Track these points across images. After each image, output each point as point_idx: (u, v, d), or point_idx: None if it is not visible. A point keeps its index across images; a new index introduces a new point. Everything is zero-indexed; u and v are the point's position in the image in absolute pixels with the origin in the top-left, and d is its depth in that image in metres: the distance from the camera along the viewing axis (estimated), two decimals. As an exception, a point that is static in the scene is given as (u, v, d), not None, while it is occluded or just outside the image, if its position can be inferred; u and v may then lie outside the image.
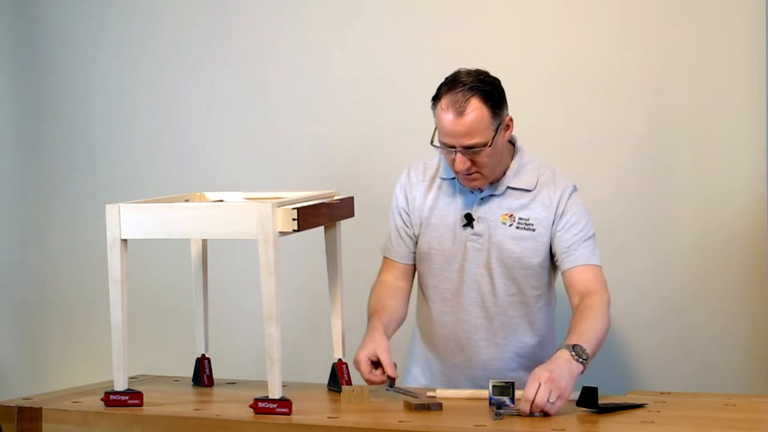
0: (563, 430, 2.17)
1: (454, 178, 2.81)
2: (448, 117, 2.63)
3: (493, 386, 2.39)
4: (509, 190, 2.78)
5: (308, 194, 2.59)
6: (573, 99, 3.47)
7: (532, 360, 2.77)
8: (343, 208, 2.64)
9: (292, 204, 2.37)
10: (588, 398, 2.32)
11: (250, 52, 3.87)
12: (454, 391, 2.55)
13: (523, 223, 2.76)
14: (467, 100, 2.63)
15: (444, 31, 3.57)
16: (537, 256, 2.77)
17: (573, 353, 2.46)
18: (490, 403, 2.38)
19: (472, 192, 2.79)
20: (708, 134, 3.35)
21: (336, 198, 2.64)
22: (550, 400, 2.33)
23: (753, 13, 3.26)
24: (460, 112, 2.62)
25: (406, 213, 2.87)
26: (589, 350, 2.50)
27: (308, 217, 2.38)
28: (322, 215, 2.51)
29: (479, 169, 2.70)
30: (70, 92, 4.13)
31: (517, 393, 2.42)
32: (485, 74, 2.71)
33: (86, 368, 3.96)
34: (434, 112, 2.70)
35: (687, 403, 2.47)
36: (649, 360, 3.41)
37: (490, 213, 2.76)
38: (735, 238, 3.33)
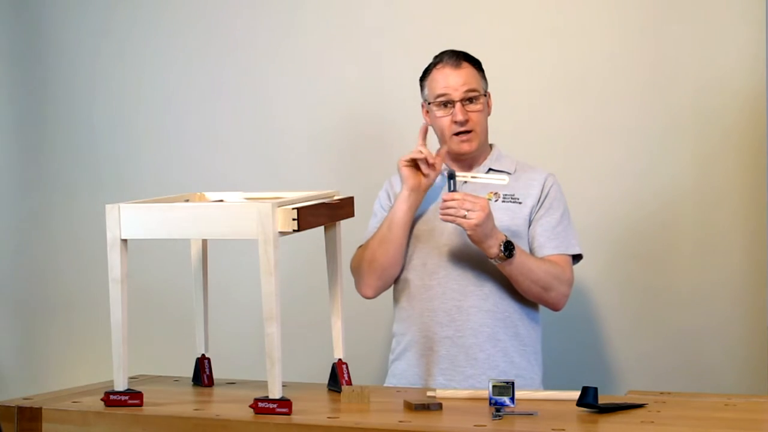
0: (563, 430, 2.17)
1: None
2: (445, 71, 2.87)
3: (493, 386, 2.39)
4: (492, 172, 2.91)
5: (308, 194, 2.59)
6: (569, 98, 3.48)
7: (518, 330, 2.84)
8: (343, 208, 2.63)
9: (292, 204, 2.36)
10: (588, 398, 2.32)
11: (250, 53, 3.87)
12: (454, 391, 2.55)
13: (509, 198, 2.87)
14: (460, 59, 2.88)
15: (443, 32, 3.58)
16: (524, 227, 2.86)
17: (505, 243, 2.70)
18: (490, 403, 2.38)
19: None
20: (707, 133, 3.36)
21: (336, 198, 2.64)
22: (466, 214, 2.64)
23: (751, 10, 3.26)
24: (456, 66, 2.87)
25: (391, 207, 2.93)
26: (517, 257, 2.72)
27: (308, 217, 2.38)
28: (322, 215, 2.51)
29: (473, 126, 2.85)
30: (71, 92, 4.13)
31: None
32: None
33: (86, 368, 3.96)
34: (425, 85, 2.91)
35: (687, 403, 2.47)
36: (649, 360, 3.41)
37: (475, 192, 2.82)
38: (735, 238, 3.33)
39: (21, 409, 2.44)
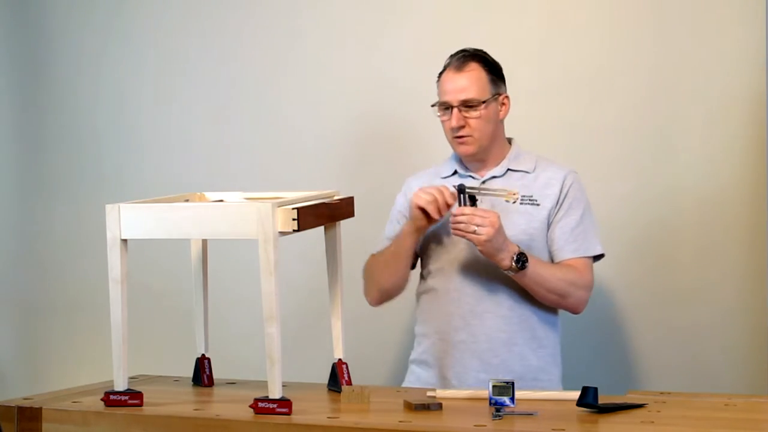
0: (563, 430, 2.17)
1: (455, 173, 2.91)
2: (449, 75, 2.87)
3: (493, 386, 2.39)
4: (510, 172, 2.90)
5: (308, 194, 2.59)
6: (569, 98, 3.48)
7: (536, 333, 2.84)
8: (343, 208, 2.63)
9: (292, 204, 2.37)
10: (588, 398, 2.32)
11: (252, 53, 3.87)
12: (454, 392, 2.55)
13: (527, 200, 2.84)
14: (467, 62, 2.86)
15: (443, 32, 3.58)
16: (542, 230, 2.84)
17: (518, 255, 2.70)
18: (490, 403, 2.38)
19: (474, 179, 2.89)
20: (707, 133, 3.36)
21: (336, 198, 2.64)
22: (476, 229, 2.65)
23: (751, 10, 3.26)
24: (459, 69, 2.85)
25: (405, 216, 2.93)
26: (530, 268, 2.72)
27: (308, 217, 2.38)
28: (322, 215, 2.51)
29: (471, 132, 2.84)
30: (72, 93, 4.13)
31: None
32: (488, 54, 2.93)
33: (86, 368, 3.96)
34: (438, 84, 2.91)
35: (687, 403, 2.47)
36: (649, 360, 3.41)
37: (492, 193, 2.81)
38: (735, 238, 3.33)
39: (21, 409, 2.45)
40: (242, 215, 2.33)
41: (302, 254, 3.50)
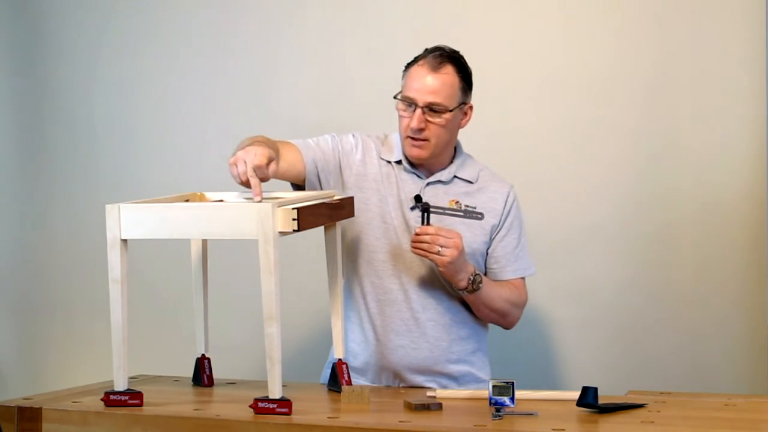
0: (563, 430, 2.17)
1: (399, 162, 2.82)
2: (421, 71, 2.71)
3: (493, 386, 2.39)
4: (455, 179, 2.82)
5: (308, 194, 2.60)
6: (567, 97, 3.48)
7: (472, 341, 2.82)
8: (343, 208, 2.64)
9: (292, 204, 2.37)
10: (588, 398, 2.32)
11: (250, 52, 3.87)
12: (454, 391, 2.55)
13: (470, 210, 2.77)
14: (444, 63, 2.72)
15: (441, 31, 3.57)
16: (482, 245, 2.79)
17: (474, 276, 2.68)
18: (490, 403, 2.38)
19: (419, 177, 2.80)
20: (707, 133, 3.36)
21: (336, 198, 2.64)
22: (440, 250, 2.60)
23: (752, 10, 3.26)
24: (435, 69, 2.70)
25: (344, 159, 2.83)
26: (482, 289, 2.70)
27: (308, 217, 2.38)
28: (322, 215, 2.51)
29: (429, 137, 2.73)
30: (71, 92, 4.13)
31: None
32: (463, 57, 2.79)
33: (86, 368, 3.96)
34: (404, 75, 2.77)
35: (687, 403, 2.47)
36: (649, 360, 3.41)
37: (436, 198, 2.76)
38: (734, 238, 3.34)
39: (21, 409, 2.44)
40: (242, 215, 2.33)
41: (302, 254, 3.50)
